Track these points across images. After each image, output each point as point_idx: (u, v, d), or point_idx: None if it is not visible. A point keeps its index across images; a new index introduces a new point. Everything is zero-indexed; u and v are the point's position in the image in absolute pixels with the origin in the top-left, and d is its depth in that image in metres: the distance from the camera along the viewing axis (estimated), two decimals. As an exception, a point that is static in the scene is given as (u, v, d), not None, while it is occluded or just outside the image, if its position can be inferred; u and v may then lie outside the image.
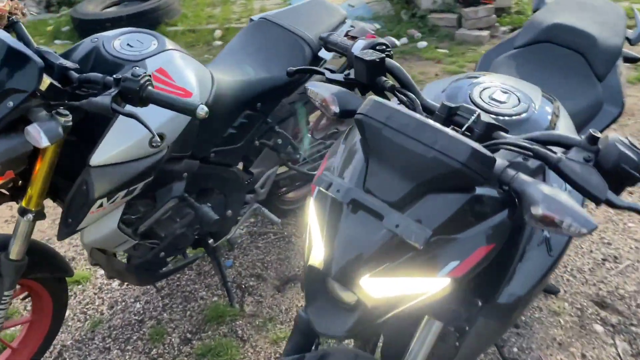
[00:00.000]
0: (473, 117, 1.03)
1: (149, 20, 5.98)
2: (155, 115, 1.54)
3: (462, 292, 1.09)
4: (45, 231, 2.81)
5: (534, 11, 2.10)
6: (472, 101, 1.23)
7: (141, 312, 2.30)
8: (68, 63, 1.48)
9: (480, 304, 1.11)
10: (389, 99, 1.14)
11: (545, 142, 0.98)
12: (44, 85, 1.40)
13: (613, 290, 2.27)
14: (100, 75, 1.41)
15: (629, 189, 2.57)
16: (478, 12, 5.42)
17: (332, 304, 1.00)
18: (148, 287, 2.39)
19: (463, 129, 1.03)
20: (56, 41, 6.18)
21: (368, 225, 0.93)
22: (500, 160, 0.93)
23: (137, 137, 1.56)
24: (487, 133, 1.02)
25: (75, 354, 2.12)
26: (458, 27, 5.51)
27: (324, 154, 2.48)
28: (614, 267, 2.40)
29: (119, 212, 1.70)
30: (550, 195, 0.85)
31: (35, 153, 1.49)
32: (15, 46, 1.39)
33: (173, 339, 2.16)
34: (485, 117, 1.04)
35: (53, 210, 2.53)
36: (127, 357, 2.09)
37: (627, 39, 1.99)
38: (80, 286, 2.45)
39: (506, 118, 1.18)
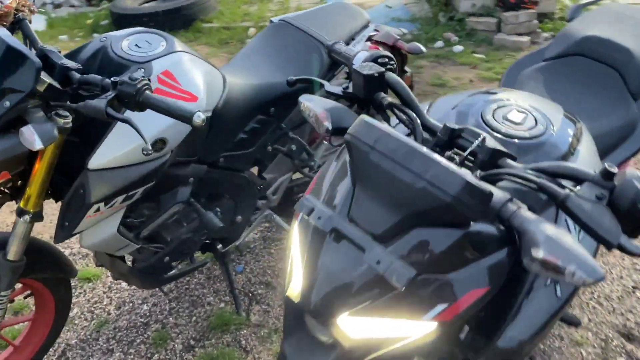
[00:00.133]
0: (477, 142, 0.93)
1: (184, 17, 6.02)
2: (157, 120, 1.49)
3: (457, 331, 0.99)
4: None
5: (568, 21, 1.96)
6: (483, 120, 1.13)
7: (147, 314, 2.27)
8: (70, 63, 1.44)
9: (478, 345, 1.01)
10: (388, 117, 1.05)
11: (554, 174, 0.87)
12: (42, 86, 1.36)
13: (642, 322, 2.12)
14: (99, 77, 1.37)
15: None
16: (519, 17, 5.22)
17: (309, 340, 0.93)
18: (156, 288, 2.36)
19: (466, 153, 0.94)
20: (94, 35, 6.27)
21: (350, 257, 0.85)
22: (502, 193, 0.83)
23: (138, 142, 1.50)
24: (491, 160, 0.92)
25: (79, 354, 2.10)
26: (497, 31, 5.33)
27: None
28: (646, 296, 2.25)
29: (119, 217, 1.65)
30: (553, 237, 0.75)
31: (35, 153, 1.46)
32: (14, 45, 1.35)
33: (176, 345, 2.12)
34: (491, 142, 0.94)
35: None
36: (128, 360, 2.06)
37: None
38: (90, 284, 2.44)
39: (519, 141, 1.08)
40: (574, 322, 1.91)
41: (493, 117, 1.14)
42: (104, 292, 2.39)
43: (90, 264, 2.56)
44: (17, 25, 1.54)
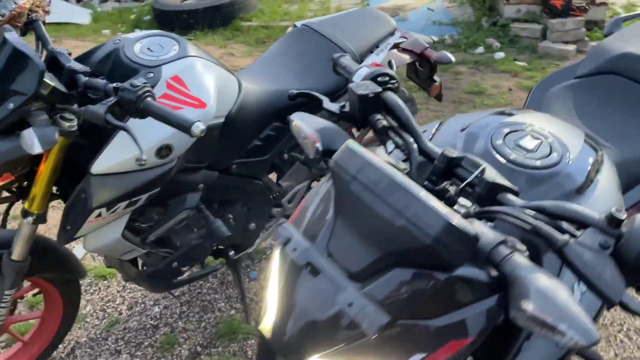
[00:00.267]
0: (475, 173, 0.86)
1: (224, 14, 6.03)
2: (163, 126, 1.45)
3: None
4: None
5: (605, 36, 1.82)
6: (492, 145, 1.04)
7: (158, 316, 2.26)
8: (78, 66, 1.43)
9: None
10: (385, 140, 0.98)
11: (554, 216, 0.78)
12: (46, 89, 1.35)
13: (675, 360, 1.98)
14: (103, 82, 1.35)
15: None
16: (566, 24, 5.00)
17: (281, 378, 0.87)
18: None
19: (462, 185, 0.86)
20: (136, 30, 6.37)
21: (325, 295, 0.79)
22: (494, 234, 0.75)
23: (142, 147, 1.48)
24: (489, 194, 0.84)
25: (87, 353, 2.11)
26: (542, 39, 5.13)
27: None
28: (681, 332, 2.09)
29: (123, 222, 1.63)
30: (545, 290, 0.66)
31: (40, 155, 1.45)
32: (20, 47, 1.34)
33: (183, 351, 2.09)
34: (491, 174, 0.86)
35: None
36: (134, 363, 2.06)
37: None
38: (105, 282, 2.45)
39: (529, 171, 1.00)
40: (594, 359, 1.78)
41: (504, 141, 1.05)
42: (118, 291, 2.39)
43: (107, 262, 2.57)
44: (30, 26, 1.53)
